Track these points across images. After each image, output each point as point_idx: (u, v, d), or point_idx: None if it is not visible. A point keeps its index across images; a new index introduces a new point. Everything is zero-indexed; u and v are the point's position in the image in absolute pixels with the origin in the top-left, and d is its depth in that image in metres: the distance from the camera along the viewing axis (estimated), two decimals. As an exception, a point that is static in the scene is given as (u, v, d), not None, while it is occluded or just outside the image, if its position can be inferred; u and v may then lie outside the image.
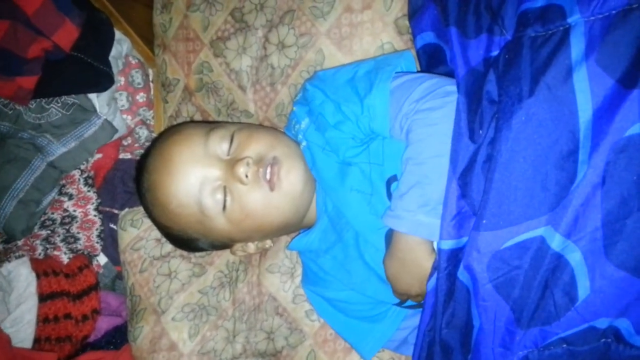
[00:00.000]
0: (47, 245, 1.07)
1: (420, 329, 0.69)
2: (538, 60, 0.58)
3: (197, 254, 0.96)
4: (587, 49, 0.55)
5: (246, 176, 0.74)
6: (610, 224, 0.54)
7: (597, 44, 0.55)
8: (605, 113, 0.54)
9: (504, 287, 0.59)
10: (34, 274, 1.01)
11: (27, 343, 0.98)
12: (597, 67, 0.55)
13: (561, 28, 0.58)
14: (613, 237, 0.54)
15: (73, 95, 1.03)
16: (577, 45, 0.56)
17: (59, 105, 1.03)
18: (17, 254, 1.04)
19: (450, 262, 0.64)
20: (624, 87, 0.53)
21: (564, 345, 0.58)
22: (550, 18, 0.59)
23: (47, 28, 0.94)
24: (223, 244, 0.85)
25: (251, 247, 0.86)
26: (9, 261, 1.02)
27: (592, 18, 0.56)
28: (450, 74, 0.70)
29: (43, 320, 1.00)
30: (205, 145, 0.77)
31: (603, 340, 0.57)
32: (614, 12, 0.55)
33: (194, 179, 0.76)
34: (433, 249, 0.68)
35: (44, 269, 1.02)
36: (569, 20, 0.58)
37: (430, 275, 0.66)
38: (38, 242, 1.06)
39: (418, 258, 0.68)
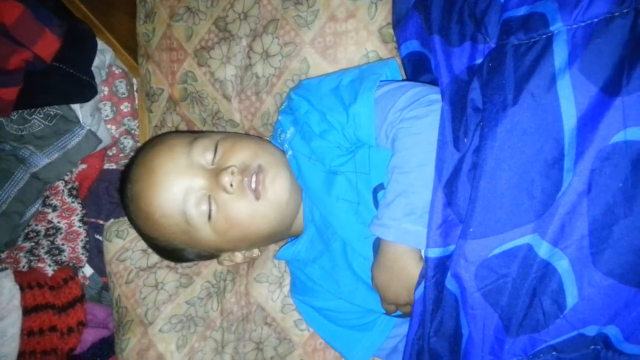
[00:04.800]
0: (31, 258, 1.06)
1: (408, 337, 0.69)
2: (521, 68, 0.59)
3: (184, 264, 0.95)
4: (570, 57, 0.56)
5: (231, 185, 0.74)
6: (597, 231, 0.54)
7: (580, 52, 0.55)
8: (589, 121, 0.54)
9: (492, 295, 0.59)
10: (17, 287, 1.00)
11: (12, 357, 0.98)
12: (580, 75, 0.55)
13: (544, 36, 0.58)
14: (600, 244, 0.54)
15: (56, 106, 1.03)
16: (560, 53, 0.56)
17: (42, 116, 1.03)
18: (0, 266, 1.03)
19: (438, 270, 0.64)
20: (607, 95, 0.53)
21: (554, 353, 0.58)
22: (533, 26, 0.59)
23: (26, 39, 0.93)
24: (210, 254, 0.85)
25: (238, 256, 0.85)
26: None
27: (575, 26, 0.56)
28: (435, 82, 0.71)
29: (27, 333, 1.00)
30: (189, 155, 0.77)
31: (592, 347, 0.57)
32: (595, 20, 0.55)
33: (177, 189, 0.76)
34: (421, 257, 0.68)
35: (28, 281, 1.02)
36: (552, 28, 0.58)
37: (418, 283, 0.66)
38: (22, 254, 1.06)
39: (406, 266, 0.68)
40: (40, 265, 1.05)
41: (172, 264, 0.96)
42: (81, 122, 1.05)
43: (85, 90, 1.03)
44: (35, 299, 1.01)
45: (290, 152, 0.80)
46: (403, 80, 0.80)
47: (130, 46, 1.06)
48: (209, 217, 0.76)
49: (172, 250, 0.83)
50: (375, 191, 0.74)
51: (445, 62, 0.67)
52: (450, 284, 0.62)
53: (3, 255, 1.05)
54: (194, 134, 0.83)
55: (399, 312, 0.75)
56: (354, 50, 0.85)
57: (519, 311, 0.58)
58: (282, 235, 0.84)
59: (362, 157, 0.75)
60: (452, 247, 0.63)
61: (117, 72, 1.11)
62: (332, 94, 0.76)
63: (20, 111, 1.01)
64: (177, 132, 0.99)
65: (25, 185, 1.03)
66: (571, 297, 0.55)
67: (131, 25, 1.02)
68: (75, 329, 1.03)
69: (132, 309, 0.95)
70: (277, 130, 0.84)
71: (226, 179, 0.74)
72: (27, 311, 1.00)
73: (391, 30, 0.83)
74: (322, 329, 0.84)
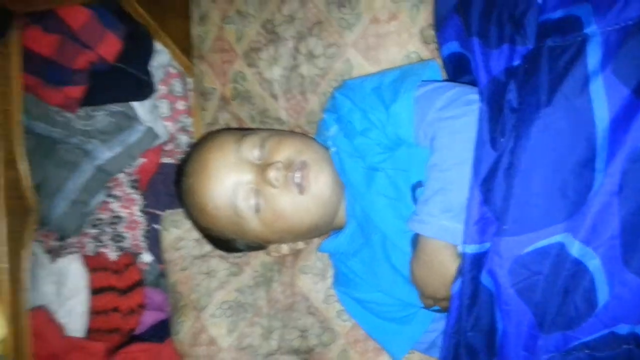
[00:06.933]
0: (97, 243, 1.12)
1: (446, 331, 0.70)
2: (556, 70, 0.59)
3: (234, 254, 0.99)
4: (604, 59, 0.56)
5: (277, 180, 0.77)
6: (628, 231, 0.54)
7: (613, 55, 0.56)
8: (621, 122, 0.55)
9: (526, 291, 0.60)
10: (85, 269, 1.07)
11: (80, 333, 1.05)
12: (613, 77, 0.55)
13: (579, 39, 0.59)
14: (630, 244, 0.54)
15: (118, 103, 1.07)
16: (593, 55, 0.57)
17: (105, 112, 1.06)
18: (69, 250, 1.09)
19: (474, 266, 0.65)
20: (639, 97, 0.53)
21: (586, 351, 0.59)
22: (568, 29, 0.60)
23: (92, 41, 0.98)
24: (258, 245, 0.88)
25: (284, 248, 0.89)
26: (63, 257, 1.07)
27: (609, 29, 0.57)
28: (476, 83, 0.71)
29: (94, 312, 1.06)
30: (238, 151, 0.80)
31: (625, 346, 0.57)
32: (630, 22, 0.55)
33: (228, 183, 0.79)
34: (458, 253, 0.69)
35: (94, 265, 1.08)
36: (586, 30, 0.58)
37: (455, 279, 0.68)
38: (88, 240, 1.11)
39: (443, 261, 0.69)
40: (104, 250, 1.10)
41: (223, 253, 0.99)
42: (141, 119, 1.09)
43: (145, 89, 1.07)
44: (100, 281, 1.06)
45: (333, 149, 0.82)
46: (443, 81, 0.81)
47: (185, 48, 1.09)
48: (257, 209, 0.79)
49: (223, 241, 0.87)
50: (414, 188, 0.76)
51: (484, 63, 0.68)
52: (485, 279, 0.64)
53: (72, 241, 1.10)
54: (243, 131, 0.87)
55: (437, 307, 0.76)
56: (396, 51, 0.86)
57: (552, 308, 0.59)
58: (325, 228, 0.87)
59: (402, 155, 0.77)
60: (487, 244, 0.64)
61: (173, 72, 1.14)
62: (374, 94, 0.78)
63: (86, 108, 1.05)
64: (227, 129, 1.02)
65: (91, 176, 1.08)
66: (602, 296, 0.56)
67: (186, 28, 1.06)
68: (135, 311, 1.09)
69: (186, 294, 0.99)
70: (321, 128, 0.87)
71: (272, 174, 0.77)
72: (93, 292, 1.06)
73: (432, 32, 0.83)
74: (363, 320, 0.87)
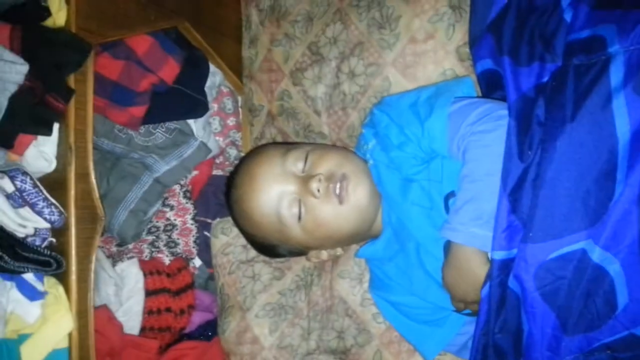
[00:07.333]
0: (152, 249, 1.17)
1: (475, 332, 0.73)
2: (580, 87, 0.63)
3: (277, 260, 1.04)
4: (625, 77, 0.60)
5: (318, 190, 0.82)
6: (646, 238, 0.57)
7: (634, 73, 0.59)
8: (641, 137, 0.58)
9: (550, 295, 0.64)
10: (141, 273, 1.12)
11: (135, 331, 1.10)
12: (633, 94, 0.59)
13: (602, 57, 0.62)
14: (649, 250, 0.57)
15: (174, 121, 1.14)
16: (616, 74, 0.61)
17: (163, 130, 1.13)
18: (128, 255, 1.15)
19: (502, 271, 0.69)
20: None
21: (608, 352, 0.62)
22: (593, 48, 0.64)
23: (154, 65, 1.05)
24: (299, 251, 0.93)
25: (324, 254, 0.93)
26: (122, 261, 1.13)
27: (631, 48, 0.60)
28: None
29: (148, 312, 1.11)
30: (283, 164, 0.86)
31: (644, 347, 0.60)
32: (651, 43, 0.59)
33: (273, 193, 0.85)
34: (487, 259, 0.72)
35: (149, 268, 1.13)
36: (610, 50, 0.62)
37: (484, 283, 0.71)
38: (145, 246, 1.17)
39: (473, 267, 0.73)
40: (159, 255, 1.16)
41: (267, 259, 1.05)
42: (195, 134, 1.13)
43: (199, 108, 1.13)
44: (155, 283, 1.11)
45: (371, 162, 0.87)
46: (478, 96, 0.85)
47: (236, 68, 1.16)
48: (299, 218, 0.84)
49: (267, 246, 0.93)
50: (446, 198, 0.80)
51: (513, 81, 0.72)
52: (512, 284, 0.67)
53: (130, 246, 1.16)
54: (288, 145, 0.92)
55: (468, 310, 0.79)
56: (432, 68, 0.91)
57: (575, 311, 0.62)
58: (362, 235, 0.91)
59: (436, 167, 0.81)
60: (515, 251, 0.67)
61: (225, 90, 1.21)
62: (410, 110, 0.83)
63: (146, 126, 1.12)
64: (274, 143, 1.08)
65: (149, 188, 1.14)
66: (622, 298, 0.59)
67: (237, 50, 1.13)
68: (186, 311, 1.13)
69: (233, 296, 1.06)
70: (361, 142, 0.92)
71: (314, 185, 0.82)
72: (148, 293, 1.11)
73: (467, 49, 0.87)
74: (397, 322, 0.90)
